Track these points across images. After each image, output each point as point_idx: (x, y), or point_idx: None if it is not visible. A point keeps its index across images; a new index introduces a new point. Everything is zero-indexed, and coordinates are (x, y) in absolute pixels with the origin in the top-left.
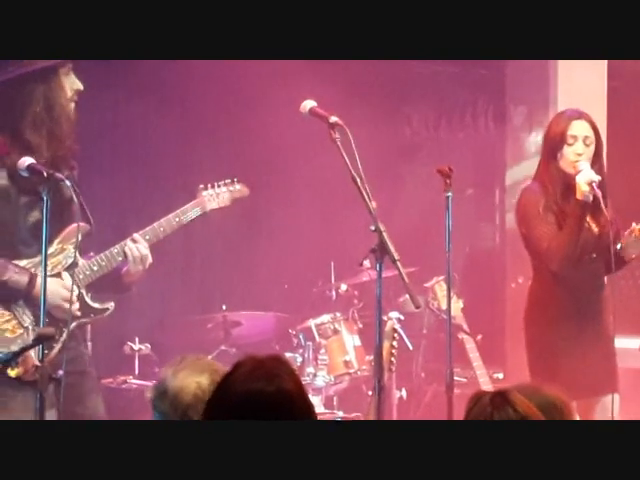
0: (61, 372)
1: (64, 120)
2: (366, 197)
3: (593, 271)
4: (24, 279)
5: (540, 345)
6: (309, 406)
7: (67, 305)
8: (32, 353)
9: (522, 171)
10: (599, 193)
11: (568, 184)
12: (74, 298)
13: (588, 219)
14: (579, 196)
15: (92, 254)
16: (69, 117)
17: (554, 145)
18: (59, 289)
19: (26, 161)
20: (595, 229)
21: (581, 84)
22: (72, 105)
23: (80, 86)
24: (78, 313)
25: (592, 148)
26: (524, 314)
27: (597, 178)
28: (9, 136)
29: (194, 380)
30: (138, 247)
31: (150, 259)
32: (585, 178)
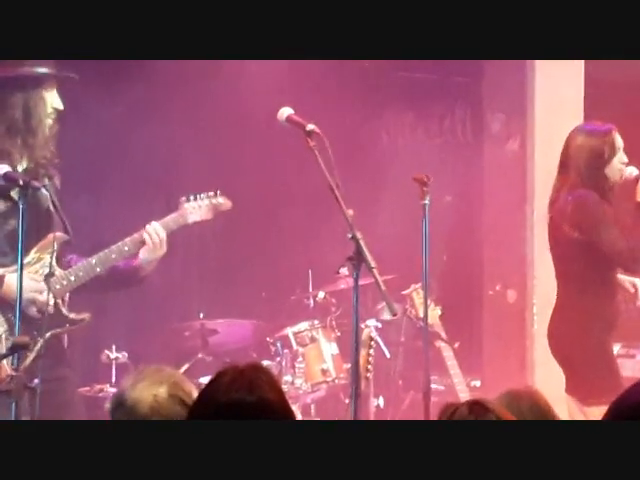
0: (37, 381)
1: (40, 132)
2: (343, 205)
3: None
4: None
5: (577, 350)
6: (291, 415)
7: (39, 296)
8: (5, 362)
9: (500, 178)
10: None
11: (614, 191)
12: (50, 308)
13: None
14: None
15: (72, 257)
16: (45, 131)
17: (601, 157)
18: (30, 282)
19: (2, 169)
20: None
21: (558, 91)
22: (49, 121)
23: (60, 106)
24: (52, 310)
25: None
26: (557, 326)
27: None
28: None
29: (152, 392)
30: (157, 230)
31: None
32: None
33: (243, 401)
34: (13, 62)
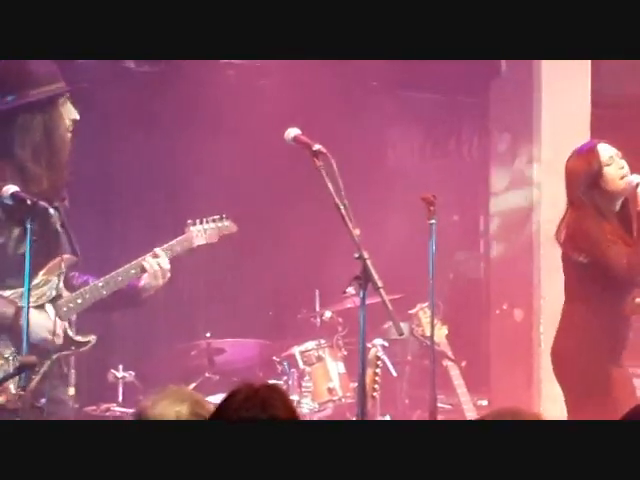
0: (44, 400)
1: (63, 150)
2: (349, 224)
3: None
4: (10, 311)
5: (579, 371)
6: None
7: (50, 337)
8: (10, 383)
9: (507, 198)
10: None
11: (617, 201)
12: (59, 331)
13: None
14: None
15: (74, 274)
16: (66, 147)
17: (591, 176)
18: (45, 322)
19: (10, 189)
20: None
21: (564, 110)
22: (69, 135)
23: (76, 115)
24: (60, 342)
25: (625, 161)
26: (557, 339)
27: None
28: (9, 166)
29: (174, 409)
30: (159, 262)
31: (169, 273)
32: None
33: (255, 419)
34: (24, 84)
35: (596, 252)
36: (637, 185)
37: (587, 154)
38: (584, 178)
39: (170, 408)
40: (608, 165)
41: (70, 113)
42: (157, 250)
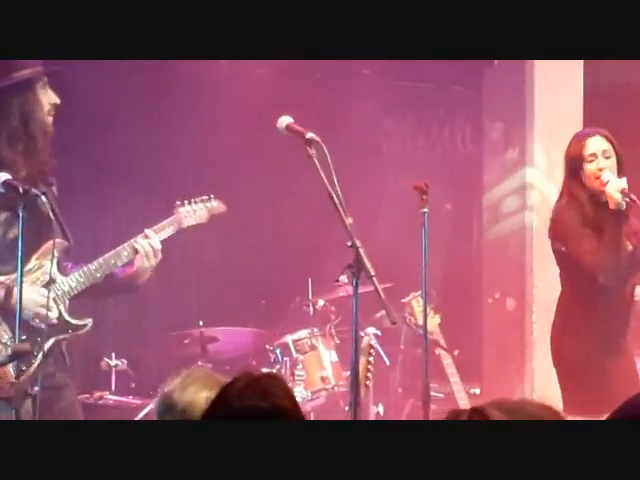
0: (37, 388)
1: (40, 135)
2: (342, 213)
3: (626, 288)
4: (0, 293)
5: (570, 360)
6: None
7: (44, 311)
8: (10, 368)
9: (499, 187)
10: (634, 196)
11: (597, 199)
12: (52, 306)
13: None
14: (612, 206)
15: (67, 264)
16: (45, 132)
17: (574, 165)
18: (36, 297)
19: (1, 177)
20: (628, 246)
21: (557, 100)
22: (49, 119)
23: (57, 100)
24: (55, 321)
25: (613, 160)
26: (552, 327)
27: (625, 184)
28: None
29: (203, 395)
30: (150, 242)
31: (160, 254)
32: (614, 186)
33: (256, 407)
34: (1, 68)
35: (569, 242)
36: (604, 185)
37: (575, 143)
38: (567, 165)
39: (199, 394)
40: (588, 162)
41: (49, 98)
42: (147, 231)
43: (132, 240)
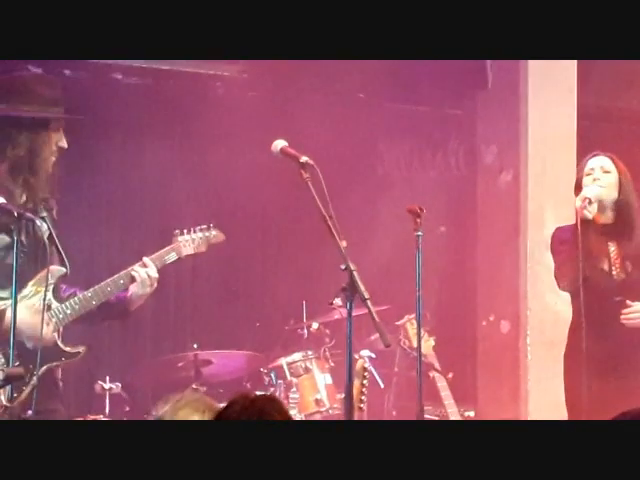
0: (30, 412)
1: (42, 172)
2: (336, 236)
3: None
4: None
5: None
6: None
7: (39, 334)
8: (1, 394)
9: (493, 211)
10: (592, 210)
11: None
12: (46, 330)
13: (612, 261)
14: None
15: (62, 286)
16: (47, 170)
17: (576, 185)
18: (31, 319)
19: None
20: (619, 274)
21: (551, 123)
22: (52, 159)
23: (65, 145)
24: (50, 344)
25: (613, 176)
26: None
27: (592, 194)
28: None
29: (194, 419)
30: (147, 271)
31: (157, 283)
32: (580, 196)
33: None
34: (21, 99)
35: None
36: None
37: (581, 163)
38: (575, 185)
39: (190, 418)
40: (586, 175)
41: (59, 140)
42: (146, 259)
43: (129, 268)
